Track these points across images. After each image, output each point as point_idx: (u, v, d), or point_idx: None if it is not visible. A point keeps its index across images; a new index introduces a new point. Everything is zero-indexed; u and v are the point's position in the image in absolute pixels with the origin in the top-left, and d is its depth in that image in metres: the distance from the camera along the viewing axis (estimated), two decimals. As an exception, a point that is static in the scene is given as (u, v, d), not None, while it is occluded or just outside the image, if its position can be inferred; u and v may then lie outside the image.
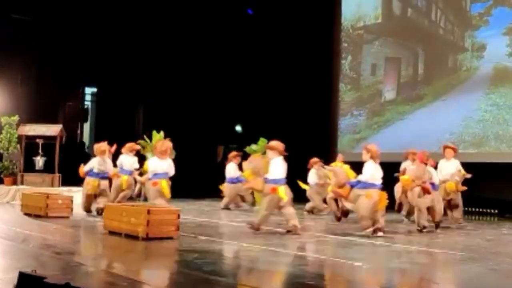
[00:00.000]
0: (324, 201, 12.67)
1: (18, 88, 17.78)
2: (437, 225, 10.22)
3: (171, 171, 10.51)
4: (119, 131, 18.06)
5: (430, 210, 9.96)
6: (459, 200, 11.12)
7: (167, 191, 10.30)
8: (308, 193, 13.22)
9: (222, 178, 15.33)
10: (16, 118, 15.84)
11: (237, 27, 19.95)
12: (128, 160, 12.28)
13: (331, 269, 6.55)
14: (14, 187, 14.91)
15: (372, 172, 8.98)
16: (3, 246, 7.46)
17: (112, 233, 8.47)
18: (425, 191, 9.74)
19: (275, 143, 9.43)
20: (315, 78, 18.69)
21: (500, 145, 14.65)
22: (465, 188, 11.10)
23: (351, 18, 18.69)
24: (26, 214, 11.31)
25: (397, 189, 11.36)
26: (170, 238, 7.98)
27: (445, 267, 6.89)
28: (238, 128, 22.32)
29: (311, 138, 18.01)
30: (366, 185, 8.97)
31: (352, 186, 9.10)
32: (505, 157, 14.38)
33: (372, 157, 9.11)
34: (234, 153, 15.32)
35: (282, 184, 9.13)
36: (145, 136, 17.55)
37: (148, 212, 7.93)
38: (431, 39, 16.65)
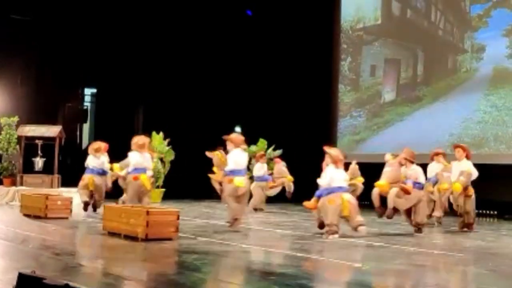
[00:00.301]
0: None
1: (18, 88, 17.78)
2: (419, 228, 9.73)
3: (149, 165, 10.82)
4: (119, 132, 18.06)
5: (413, 209, 9.62)
6: (469, 205, 10.32)
7: (148, 184, 10.54)
8: None
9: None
10: (15, 119, 15.84)
11: (237, 28, 19.96)
12: None
13: (330, 270, 6.55)
14: (14, 188, 14.91)
15: (331, 176, 8.97)
16: (2, 247, 7.45)
17: (111, 234, 8.47)
18: (405, 191, 9.42)
19: (233, 135, 9.87)
20: (314, 79, 18.71)
21: (499, 146, 14.65)
22: (472, 192, 10.40)
23: (351, 20, 18.71)
24: (25, 215, 11.31)
25: (375, 194, 11.09)
26: (170, 239, 7.98)
27: (444, 268, 6.89)
28: (238, 129, 22.33)
29: (310, 139, 18.01)
30: (330, 190, 8.94)
31: (318, 197, 9.08)
32: (504, 158, 14.39)
33: (333, 162, 9.14)
34: (260, 153, 15.41)
35: (239, 175, 9.42)
36: (144, 137, 17.54)
37: (148, 213, 7.93)
38: (431, 40, 16.67)
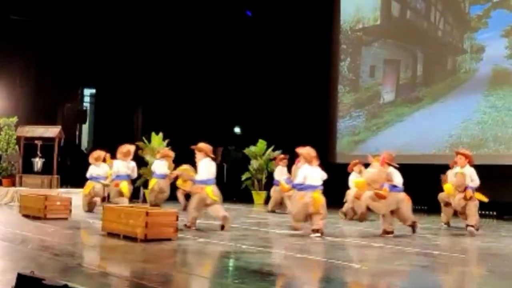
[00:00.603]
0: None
1: (17, 89, 17.79)
2: (413, 229, 9.64)
3: (134, 173, 11.08)
4: (118, 132, 18.08)
5: (396, 213, 9.48)
6: (469, 209, 9.86)
7: (126, 191, 11.04)
8: (347, 197, 12.41)
9: (220, 180, 15.28)
10: (14, 119, 15.83)
11: (236, 29, 19.96)
12: (160, 165, 12.97)
13: (329, 271, 6.54)
14: (13, 188, 14.90)
15: (305, 175, 9.14)
16: (1, 248, 7.44)
17: (110, 234, 8.47)
18: (379, 197, 9.25)
19: (202, 145, 9.93)
20: (314, 80, 18.70)
21: (498, 147, 14.66)
22: (471, 195, 9.83)
23: (350, 20, 18.71)
24: (24, 215, 11.29)
25: (350, 196, 10.87)
26: (169, 239, 7.98)
27: (443, 269, 6.89)
28: (237, 129, 22.33)
29: (310, 139, 17.98)
30: (303, 187, 9.13)
31: (293, 187, 9.37)
32: (503, 159, 14.40)
33: (307, 161, 9.30)
34: (281, 156, 15.29)
35: (210, 184, 9.64)
36: (143, 138, 17.56)
37: (147, 214, 7.93)
38: (430, 41, 16.67)
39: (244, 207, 16.06)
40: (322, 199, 9.17)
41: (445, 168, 11.58)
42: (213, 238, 8.57)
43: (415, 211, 15.47)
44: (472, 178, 9.93)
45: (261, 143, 18.21)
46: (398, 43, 17.53)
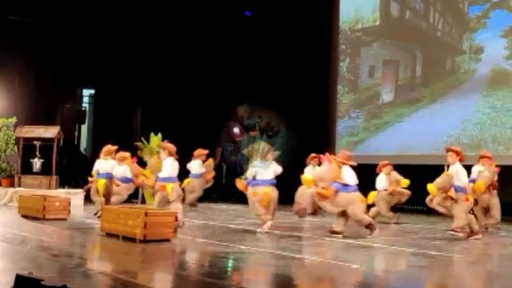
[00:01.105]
0: (392, 208, 12.12)
1: (16, 89, 17.78)
2: (371, 230, 9.20)
3: (113, 171, 11.40)
4: (117, 133, 18.07)
5: (348, 214, 9.15)
6: (456, 209, 9.24)
7: (100, 190, 11.20)
8: (374, 199, 10.98)
9: (219, 180, 15.30)
10: (13, 119, 15.82)
11: (235, 29, 19.97)
12: (195, 165, 13.87)
13: (328, 272, 6.54)
14: (12, 189, 14.89)
15: (256, 170, 9.54)
16: (0, 248, 7.44)
17: (109, 235, 8.46)
18: (321, 196, 9.02)
19: (167, 144, 10.15)
20: (313, 81, 18.71)
21: (497, 147, 14.65)
22: (454, 197, 9.19)
23: (349, 21, 18.71)
24: (23, 216, 11.29)
25: (300, 191, 10.69)
26: (168, 240, 7.98)
27: (443, 270, 6.89)
28: (236, 129, 22.32)
29: (309, 140, 18.02)
30: (256, 183, 9.50)
31: (248, 184, 9.66)
32: (502, 159, 14.37)
33: (261, 157, 9.65)
34: (312, 154, 15.03)
35: (171, 182, 9.86)
36: (142, 138, 17.55)
37: (146, 214, 7.92)
38: (429, 42, 16.67)
39: (243, 207, 16.06)
40: (272, 194, 9.48)
41: (443, 168, 11.57)
42: (212, 239, 8.57)
43: (414, 211, 15.54)
44: (459, 177, 9.31)
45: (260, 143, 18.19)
46: (397, 44, 17.53)
